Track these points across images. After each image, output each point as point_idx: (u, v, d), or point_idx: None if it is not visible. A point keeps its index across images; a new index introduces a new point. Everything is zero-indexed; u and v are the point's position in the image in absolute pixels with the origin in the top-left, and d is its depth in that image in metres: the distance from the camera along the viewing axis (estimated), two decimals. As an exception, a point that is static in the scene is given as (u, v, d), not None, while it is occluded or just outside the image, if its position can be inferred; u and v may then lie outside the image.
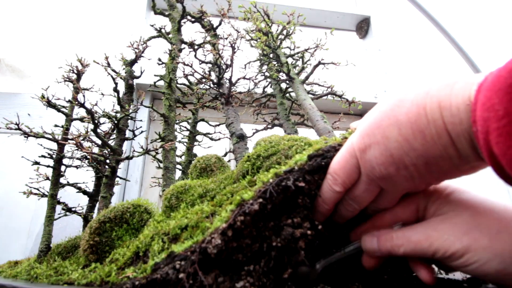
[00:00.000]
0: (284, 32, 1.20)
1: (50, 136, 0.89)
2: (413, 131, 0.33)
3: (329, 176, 0.42)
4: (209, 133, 1.46)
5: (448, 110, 0.31)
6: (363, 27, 2.60)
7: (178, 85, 1.19)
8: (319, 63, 1.14)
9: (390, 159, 0.35)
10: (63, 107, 0.96)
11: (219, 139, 1.49)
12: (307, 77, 1.13)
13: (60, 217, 0.96)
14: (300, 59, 1.25)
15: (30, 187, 0.98)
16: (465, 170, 0.35)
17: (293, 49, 1.25)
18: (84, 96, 0.90)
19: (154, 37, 1.20)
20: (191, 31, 1.25)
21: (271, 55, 1.21)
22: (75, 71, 0.97)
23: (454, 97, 0.31)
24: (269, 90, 1.42)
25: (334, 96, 1.15)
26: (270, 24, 1.17)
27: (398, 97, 0.36)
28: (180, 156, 1.42)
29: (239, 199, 0.39)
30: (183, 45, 1.18)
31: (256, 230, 0.38)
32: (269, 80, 1.36)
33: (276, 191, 0.39)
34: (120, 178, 1.13)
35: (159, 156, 1.52)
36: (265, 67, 1.37)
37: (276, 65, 1.24)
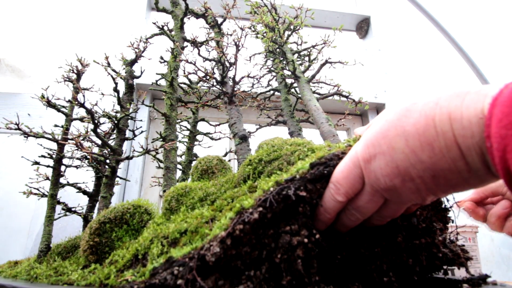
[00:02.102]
0: (291, 27, 1.19)
1: (50, 136, 0.89)
2: (421, 143, 0.32)
3: (332, 185, 0.41)
4: (209, 133, 1.45)
5: (459, 123, 0.30)
6: (363, 27, 2.60)
7: (179, 84, 1.18)
8: (326, 61, 1.12)
9: (396, 171, 0.34)
10: (63, 107, 0.96)
11: (219, 138, 1.48)
12: (313, 76, 1.11)
13: (60, 217, 0.97)
14: (307, 57, 1.24)
15: (30, 187, 0.98)
16: (474, 184, 0.33)
17: (300, 45, 1.23)
18: (84, 96, 0.90)
19: (156, 34, 1.20)
20: (195, 28, 1.24)
21: (277, 51, 1.20)
22: (75, 71, 0.97)
23: (465, 109, 0.30)
24: (274, 83, 1.40)
25: (340, 96, 1.14)
26: (277, 19, 1.15)
27: (405, 106, 0.35)
28: (180, 156, 1.42)
29: (239, 207, 0.38)
30: (185, 43, 1.17)
31: (255, 238, 0.38)
32: (274, 74, 1.35)
33: (276, 200, 0.38)
34: (120, 178, 1.13)
35: (160, 156, 1.52)
36: (270, 62, 1.36)
37: (281, 62, 1.23)
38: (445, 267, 0.52)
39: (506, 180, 0.29)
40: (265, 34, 1.15)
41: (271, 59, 1.34)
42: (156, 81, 1.22)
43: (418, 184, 0.34)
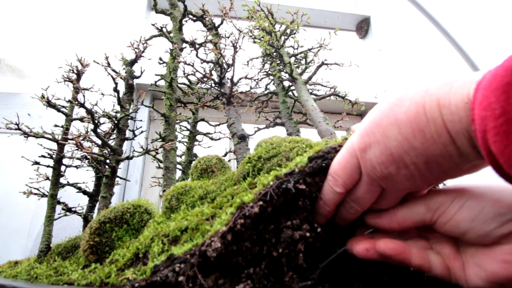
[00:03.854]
0: (288, 31, 1.19)
1: (50, 136, 0.89)
2: (412, 130, 0.33)
3: (330, 177, 0.41)
4: (209, 133, 1.46)
5: (447, 108, 0.31)
6: (363, 27, 2.60)
7: (179, 85, 1.19)
8: (322, 63, 1.13)
9: (390, 158, 0.35)
10: (63, 107, 0.96)
11: (219, 138, 1.49)
12: (310, 78, 1.12)
13: (60, 217, 0.96)
14: (303, 59, 1.25)
15: (30, 187, 0.98)
16: (466, 169, 0.34)
17: (297, 49, 1.24)
18: (84, 96, 0.90)
19: (155, 36, 1.20)
20: (193, 30, 1.25)
21: (274, 54, 1.21)
22: (75, 71, 0.97)
23: (453, 95, 0.31)
24: (272, 87, 1.42)
25: (337, 97, 1.15)
26: (273, 23, 1.16)
27: (397, 96, 0.36)
28: (180, 156, 1.42)
29: (240, 202, 0.39)
30: (184, 44, 1.18)
31: (256, 233, 0.38)
32: (271, 77, 1.36)
33: (276, 194, 0.38)
34: (120, 178, 1.13)
35: (159, 156, 1.52)
36: (267, 65, 1.37)
37: (278, 64, 1.23)
38: None
39: (489, 160, 0.29)
40: (262, 38, 1.15)
41: (268, 62, 1.34)
42: (156, 82, 1.22)
43: (412, 170, 0.35)
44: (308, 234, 0.39)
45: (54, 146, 0.96)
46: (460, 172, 0.35)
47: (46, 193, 0.94)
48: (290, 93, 1.29)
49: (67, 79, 0.95)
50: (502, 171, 0.29)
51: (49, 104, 0.88)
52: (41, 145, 1.00)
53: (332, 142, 0.45)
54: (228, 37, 1.04)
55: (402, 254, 0.39)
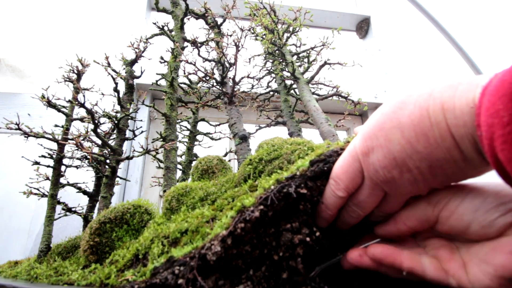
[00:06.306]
0: (290, 29, 1.19)
1: (50, 136, 0.89)
2: (416, 134, 0.33)
3: (332, 181, 0.41)
4: (209, 133, 1.45)
5: (452, 112, 0.31)
6: (363, 27, 2.60)
7: (180, 84, 1.18)
8: (325, 63, 1.13)
9: (393, 162, 0.35)
10: (63, 107, 0.96)
11: (219, 138, 1.48)
12: (312, 77, 1.12)
13: (60, 217, 0.96)
14: (306, 58, 1.24)
15: (30, 187, 0.98)
16: (470, 173, 0.34)
17: (299, 47, 1.24)
18: (84, 96, 0.90)
19: (156, 34, 1.20)
20: (194, 29, 1.24)
21: (276, 53, 1.21)
22: (75, 71, 0.97)
23: (457, 99, 0.31)
24: (273, 85, 1.41)
25: (339, 97, 1.15)
26: (276, 21, 1.16)
27: (400, 99, 0.36)
28: (181, 156, 1.42)
29: (240, 206, 0.38)
30: (185, 43, 1.17)
31: (256, 236, 0.38)
32: (273, 75, 1.36)
33: (277, 198, 0.38)
34: (120, 178, 1.13)
35: (160, 156, 1.51)
36: (269, 64, 1.37)
37: (280, 63, 1.23)
38: None
39: (496, 167, 0.29)
40: (264, 36, 1.15)
41: (271, 60, 1.34)
42: (157, 81, 1.22)
43: (416, 174, 0.34)
44: (307, 238, 0.38)
45: (54, 146, 0.96)
46: (464, 177, 0.35)
47: (46, 193, 0.94)
48: (292, 91, 1.29)
49: (67, 79, 0.95)
50: (509, 178, 0.29)
51: (49, 104, 0.88)
52: (41, 145, 1.00)
53: (334, 145, 0.45)
54: (231, 36, 1.03)
55: (391, 256, 0.39)
